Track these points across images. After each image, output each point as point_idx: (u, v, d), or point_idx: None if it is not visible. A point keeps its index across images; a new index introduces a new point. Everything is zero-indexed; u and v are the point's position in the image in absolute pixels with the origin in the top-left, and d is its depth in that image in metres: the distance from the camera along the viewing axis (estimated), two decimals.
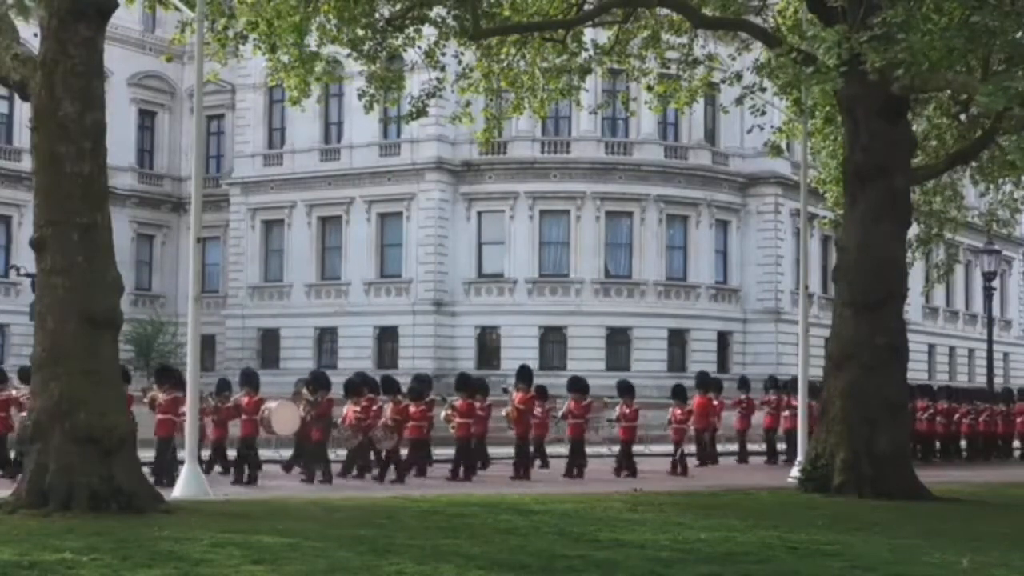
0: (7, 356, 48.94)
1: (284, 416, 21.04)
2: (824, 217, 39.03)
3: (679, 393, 25.20)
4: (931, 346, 60.90)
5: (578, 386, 23.47)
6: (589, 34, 25.00)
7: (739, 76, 24.54)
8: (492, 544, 11.87)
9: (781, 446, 28.03)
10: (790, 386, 27.72)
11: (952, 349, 64.26)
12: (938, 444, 31.04)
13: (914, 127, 23.29)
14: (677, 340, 50.82)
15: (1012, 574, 11.18)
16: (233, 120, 56.77)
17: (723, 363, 51.10)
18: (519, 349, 48.37)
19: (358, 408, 21.31)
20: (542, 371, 43.30)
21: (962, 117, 24.38)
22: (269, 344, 53.49)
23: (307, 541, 11.66)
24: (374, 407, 21.63)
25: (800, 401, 23.61)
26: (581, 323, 49.51)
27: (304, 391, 21.89)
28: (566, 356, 48.76)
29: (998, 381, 45.58)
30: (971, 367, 63.65)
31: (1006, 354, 66.22)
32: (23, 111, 44.35)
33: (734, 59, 26.57)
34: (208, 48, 21.27)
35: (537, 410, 23.22)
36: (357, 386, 21.93)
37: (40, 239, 14.52)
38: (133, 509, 13.65)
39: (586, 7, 23.39)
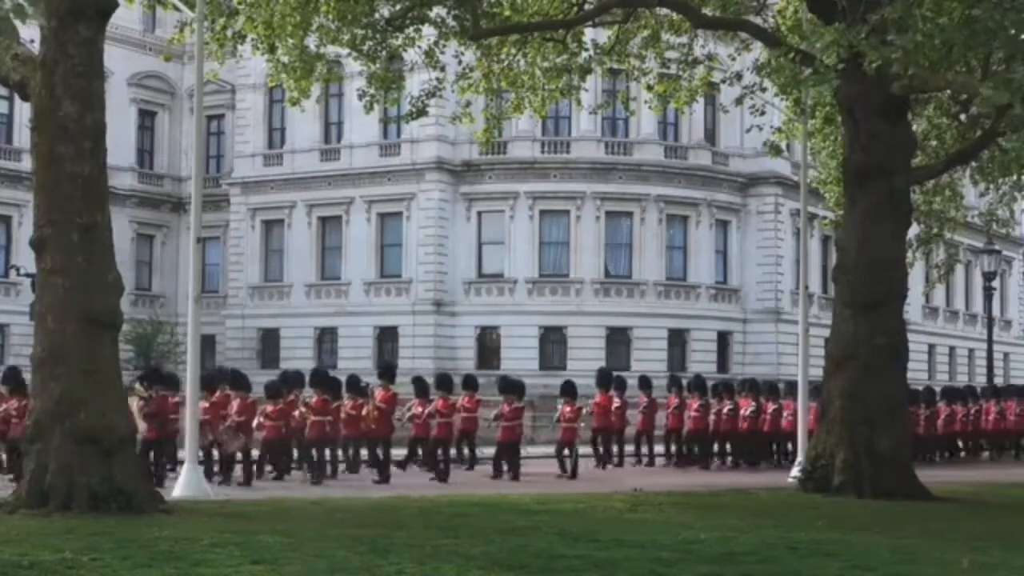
0: (7, 356, 48.93)
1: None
2: (824, 217, 39.08)
3: (569, 391, 23.87)
4: (931, 346, 60.89)
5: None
6: (589, 34, 25.01)
7: (739, 76, 24.55)
8: (492, 544, 11.86)
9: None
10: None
11: (952, 349, 64.25)
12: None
13: (914, 127, 23.29)
14: (677, 340, 50.80)
15: (1012, 574, 11.19)
16: (233, 120, 56.75)
17: (723, 363, 51.11)
18: (519, 349, 48.41)
19: (207, 404, 20.66)
20: (542, 371, 43.46)
21: (962, 117, 24.40)
22: (269, 344, 53.48)
23: (307, 541, 11.66)
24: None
25: (800, 401, 23.61)
26: (581, 323, 49.49)
27: (137, 386, 20.98)
28: (566, 356, 48.74)
29: (998, 381, 45.49)
30: (971, 367, 63.61)
31: (1006, 354, 66.20)
32: (23, 111, 44.35)
33: (734, 59, 26.57)
34: (208, 48, 21.27)
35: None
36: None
37: (40, 239, 14.52)
38: (133, 509, 13.66)
39: (586, 7, 23.39)
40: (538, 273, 50.22)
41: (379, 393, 21.59)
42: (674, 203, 51.03)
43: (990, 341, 42.91)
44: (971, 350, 64.04)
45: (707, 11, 22.94)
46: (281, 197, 53.91)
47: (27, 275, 37.42)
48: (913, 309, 48.98)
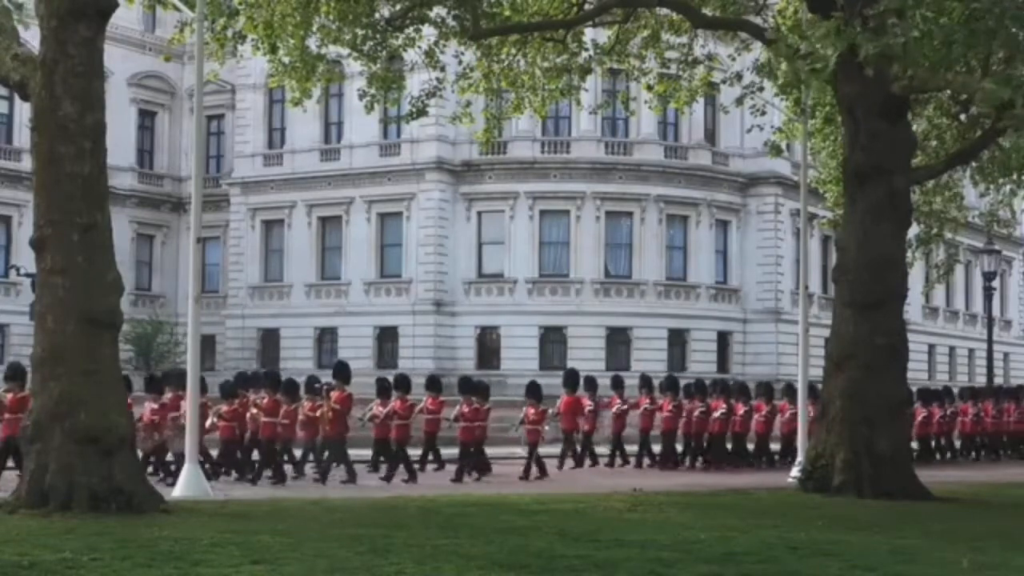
0: (7, 356, 48.95)
1: None
2: (824, 217, 39.04)
3: (533, 392, 23.39)
4: (931, 346, 60.91)
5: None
6: (589, 34, 25.03)
7: (739, 76, 24.58)
8: (492, 544, 11.86)
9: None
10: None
11: (952, 349, 64.26)
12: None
13: (914, 127, 23.29)
14: (677, 340, 50.83)
15: (1012, 574, 11.19)
16: (233, 120, 56.77)
17: (723, 363, 51.14)
18: (519, 349, 48.42)
19: (156, 406, 20.58)
20: (542, 371, 43.42)
21: (962, 117, 24.39)
22: (269, 344, 53.48)
23: (307, 541, 11.66)
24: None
25: (800, 401, 23.61)
26: (581, 323, 49.50)
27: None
28: (566, 356, 48.68)
29: (998, 381, 45.54)
30: (971, 367, 63.64)
31: (1006, 354, 66.22)
32: (23, 111, 44.36)
33: (734, 59, 26.59)
34: (208, 48, 21.27)
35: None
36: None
37: (40, 239, 14.52)
38: (133, 509, 13.66)
39: (586, 7, 23.40)
40: (538, 273, 50.24)
41: (334, 394, 21.18)
42: (674, 203, 51.04)
43: (990, 341, 42.91)
44: (971, 350, 64.06)
45: (707, 11, 22.95)
46: (281, 197, 53.92)
47: (27, 275, 37.44)
48: (913, 309, 48.99)
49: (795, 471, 21.73)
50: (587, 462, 25.26)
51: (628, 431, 26.38)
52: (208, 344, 48.49)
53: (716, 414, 25.91)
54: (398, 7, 22.35)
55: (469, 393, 22.42)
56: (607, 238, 50.54)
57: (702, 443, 26.07)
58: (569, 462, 25.12)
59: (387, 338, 51.31)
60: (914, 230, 28.09)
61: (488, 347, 50.33)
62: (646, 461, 25.91)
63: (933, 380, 51.37)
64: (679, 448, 26.24)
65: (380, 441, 21.66)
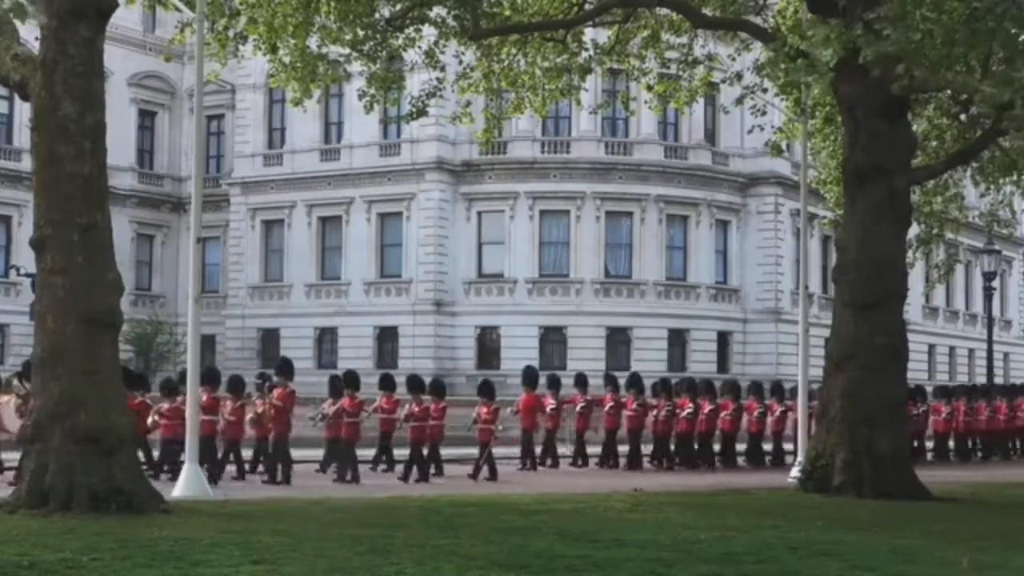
0: (7, 356, 48.95)
1: (8, 412, 20.16)
2: (824, 217, 39.04)
3: (486, 391, 22.89)
4: (931, 346, 60.92)
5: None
6: (589, 34, 25.02)
7: (739, 76, 24.57)
8: (492, 544, 11.86)
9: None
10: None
11: (952, 349, 64.27)
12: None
13: (914, 127, 23.28)
14: (677, 340, 50.84)
15: (1012, 574, 11.19)
16: (233, 120, 56.79)
17: (723, 363, 51.16)
18: (519, 349, 48.39)
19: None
20: (542, 371, 43.37)
21: (962, 117, 24.37)
22: (269, 344, 53.47)
23: (307, 541, 11.66)
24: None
25: (800, 402, 23.60)
26: (581, 323, 49.52)
27: (15, 383, 20.62)
28: (566, 356, 48.75)
29: (998, 381, 45.50)
30: (971, 367, 63.64)
31: (1006, 354, 66.23)
32: (23, 111, 44.35)
33: (734, 59, 26.57)
34: (208, 48, 21.24)
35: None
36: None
37: (40, 239, 14.51)
38: (133, 509, 13.65)
39: (586, 7, 23.39)
40: (538, 273, 50.25)
41: (277, 391, 20.92)
42: (674, 203, 51.06)
43: (990, 341, 42.91)
44: (971, 350, 64.07)
45: (707, 11, 22.93)
46: (281, 197, 53.94)
47: (27, 275, 37.42)
48: (913, 309, 48.99)
49: (795, 471, 21.72)
50: (548, 462, 24.90)
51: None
52: (208, 344, 48.50)
53: (683, 413, 25.70)
54: (398, 7, 22.34)
55: (419, 391, 22.07)
56: (607, 238, 50.57)
57: (667, 443, 25.76)
58: (556, 459, 24.91)
59: (387, 338, 51.32)
60: (914, 230, 28.07)
61: (488, 347, 50.34)
62: (632, 460, 25.55)
63: (933, 380, 51.32)
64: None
65: (331, 440, 21.43)
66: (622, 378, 27.28)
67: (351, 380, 21.98)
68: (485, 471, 21.97)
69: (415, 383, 22.53)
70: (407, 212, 51.23)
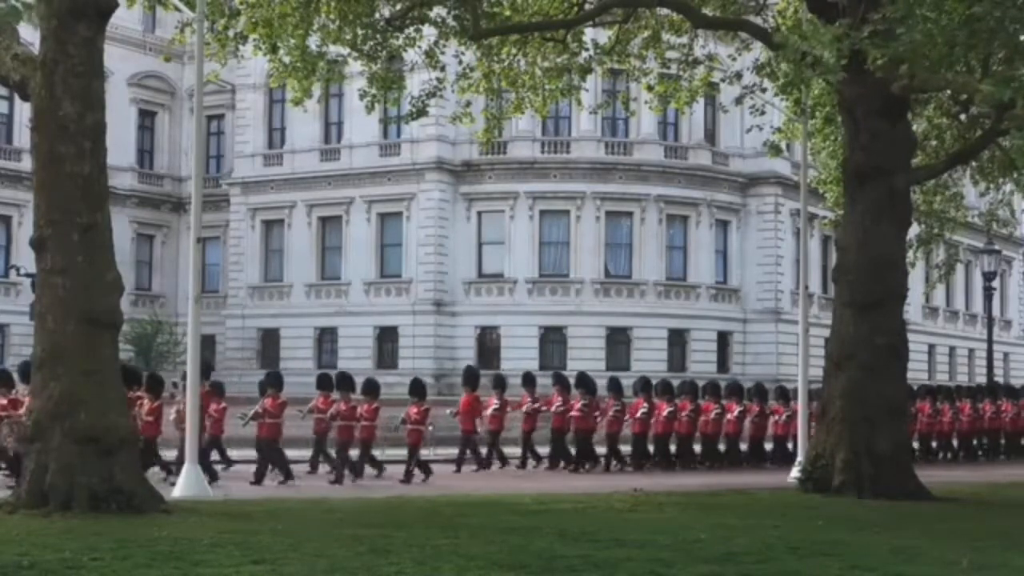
0: (7, 356, 48.94)
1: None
2: (824, 217, 39.10)
3: (417, 390, 22.51)
4: (931, 346, 60.91)
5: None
6: (589, 34, 24.99)
7: (739, 76, 24.57)
8: (492, 544, 11.86)
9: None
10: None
11: (952, 349, 64.27)
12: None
13: (914, 127, 23.29)
14: (677, 340, 50.83)
15: (1012, 574, 11.19)
16: (233, 120, 56.78)
17: (723, 363, 51.16)
18: (519, 349, 48.40)
19: (4, 401, 20.20)
20: (543, 371, 43.42)
21: (962, 117, 24.38)
22: (269, 344, 53.50)
23: (307, 541, 11.66)
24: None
25: (800, 402, 23.62)
26: (581, 323, 49.51)
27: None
28: (566, 356, 48.73)
29: (998, 381, 45.46)
30: (971, 367, 63.65)
31: (1006, 354, 66.23)
32: (23, 111, 44.35)
33: (734, 59, 26.56)
34: (208, 48, 21.25)
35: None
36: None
37: (40, 239, 14.52)
38: (133, 509, 13.65)
39: (586, 7, 23.38)
40: (538, 273, 50.25)
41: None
42: (674, 203, 51.06)
43: (990, 341, 42.91)
44: (971, 350, 64.06)
45: (707, 11, 22.93)
46: (281, 197, 53.93)
47: (27, 275, 37.41)
48: (913, 309, 48.99)
49: (795, 471, 21.73)
50: (496, 464, 24.63)
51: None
52: (208, 344, 48.34)
53: (638, 413, 25.53)
54: (398, 7, 22.34)
55: (347, 390, 21.80)
56: (607, 238, 50.56)
57: (615, 443, 25.47)
58: (517, 460, 24.71)
59: (387, 338, 51.32)
60: (914, 230, 28.07)
61: (488, 347, 50.32)
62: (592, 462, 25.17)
63: (933, 380, 51.30)
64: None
65: (260, 440, 21.25)
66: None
67: (274, 380, 21.72)
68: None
69: (340, 380, 22.22)
70: (407, 212, 51.23)
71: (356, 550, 11.11)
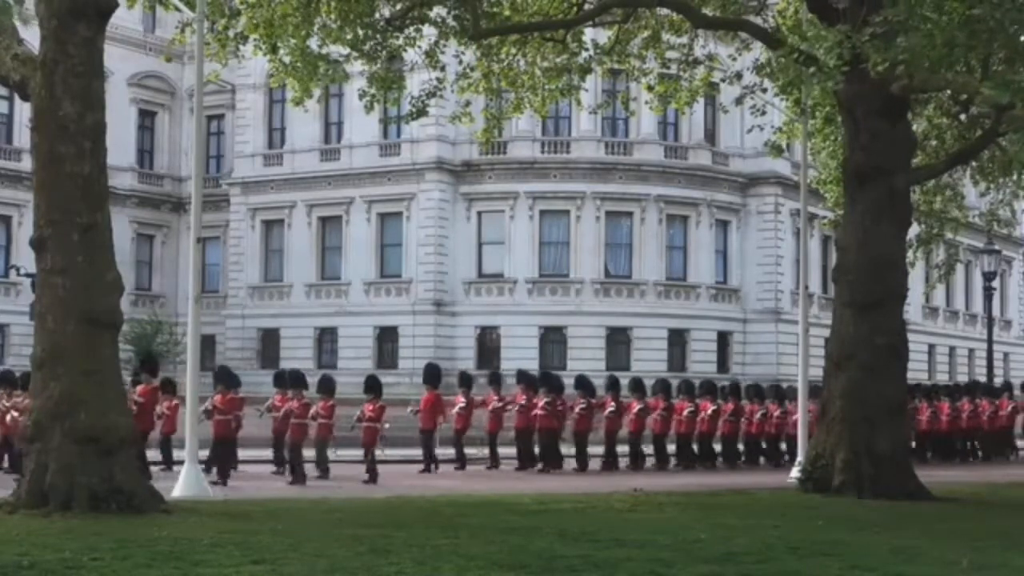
0: (7, 356, 48.95)
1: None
2: (824, 217, 39.06)
3: (373, 387, 22.29)
4: (931, 346, 60.89)
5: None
6: (589, 34, 24.99)
7: (739, 76, 24.56)
8: (492, 544, 11.86)
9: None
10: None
11: (952, 349, 64.25)
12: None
13: (914, 127, 23.30)
14: (677, 340, 50.82)
15: (1012, 574, 11.19)
16: (233, 120, 56.77)
17: (723, 363, 51.15)
18: (519, 349, 48.39)
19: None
20: (542, 371, 43.42)
21: (962, 117, 24.39)
22: (269, 344, 53.49)
23: (307, 541, 11.66)
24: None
25: (800, 402, 23.62)
26: (581, 323, 49.49)
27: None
28: (566, 356, 48.74)
29: (998, 381, 45.48)
30: (971, 367, 63.59)
31: (1006, 354, 66.19)
32: (23, 111, 44.35)
33: (734, 59, 26.56)
34: (208, 48, 21.26)
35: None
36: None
37: (40, 239, 14.52)
38: (133, 509, 13.65)
39: (586, 7, 23.38)
40: (538, 273, 50.24)
41: (139, 388, 20.71)
42: (674, 203, 51.04)
43: (990, 341, 42.91)
44: (971, 350, 64.03)
45: (707, 11, 22.92)
46: (281, 197, 53.93)
47: (27, 275, 37.41)
48: (913, 309, 48.98)
49: (795, 471, 21.73)
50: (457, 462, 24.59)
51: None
52: (208, 344, 48.46)
53: (605, 412, 25.50)
54: (398, 7, 22.33)
55: (300, 388, 21.68)
56: (607, 238, 50.54)
57: (584, 441, 25.48)
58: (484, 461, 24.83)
59: (387, 338, 51.30)
60: (914, 230, 28.08)
61: (488, 347, 50.30)
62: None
63: (933, 380, 51.29)
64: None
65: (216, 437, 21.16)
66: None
67: (224, 377, 21.75)
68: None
69: (292, 378, 22.17)
70: (407, 212, 51.21)
71: (356, 550, 11.11)
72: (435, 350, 49.32)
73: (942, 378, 56.67)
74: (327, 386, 21.96)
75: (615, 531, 13.23)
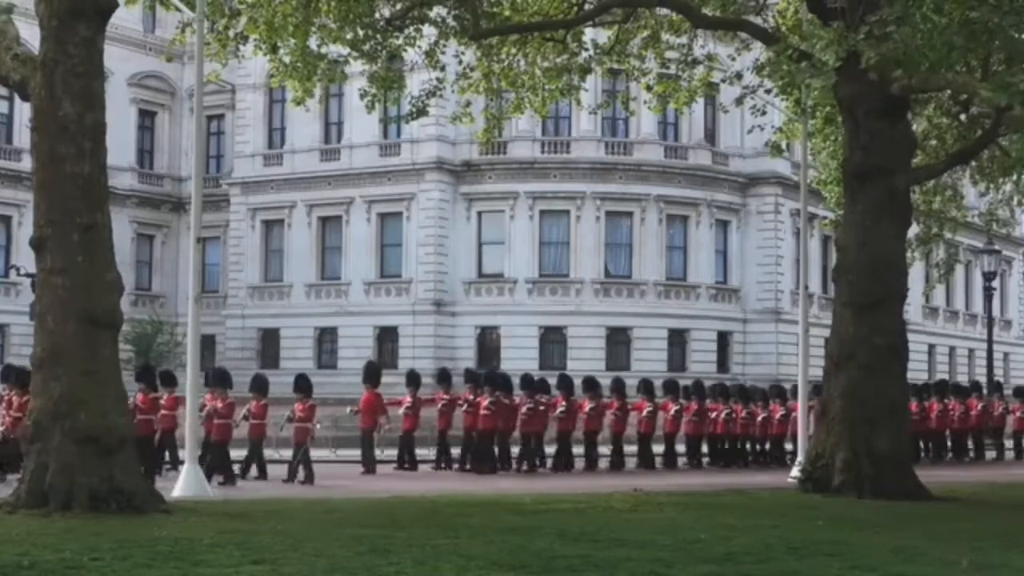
0: (7, 356, 48.92)
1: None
2: (824, 217, 39.08)
3: (303, 387, 21.89)
4: (931, 346, 60.88)
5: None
6: (589, 34, 24.99)
7: (739, 76, 24.55)
8: (492, 544, 11.86)
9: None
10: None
11: (952, 349, 64.24)
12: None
13: (914, 127, 23.30)
14: (677, 340, 50.81)
15: (1012, 574, 11.18)
16: (233, 120, 56.76)
17: (723, 363, 51.15)
18: (519, 349, 48.40)
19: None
20: (542, 371, 43.41)
21: (962, 117, 24.41)
22: (269, 344, 53.48)
23: (307, 541, 11.66)
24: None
25: (800, 402, 23.64)
26: (581, 323, 49.50)
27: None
28: (566, 356, 48.73)
29: (998, 381, 45.51)
30: (971, 367, 63.59)
31: (1006, 354, 66.20)
32: (23, 111, 44.32)
33: (734, 59, 26.58)
34: (208, 48, 21.26)
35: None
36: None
37: (40, 239, 14.53)
38: (133, 509, 13.67)
39: (586, 7, 23.38)
40: (538, 273, 50.23)
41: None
42: (674, 203, 51.04)
43: (990, 341, 42.91)
44: (971, 350, 64.03)
45: (707, 11, 22.90)
46: (281, 197, 53.92)
47: (27, 275, 37.40)
48: (913, 309, 48.97)
49: (795, 471, 21.73)
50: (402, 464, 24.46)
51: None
52: (208, 344, 48.50)
53: (555, 412, 25.28)
54: (398, 7, 22.35)
55: (217, 386, 21.49)
56: (607, 238, 50.54)
57: (540, 441, 25.29)
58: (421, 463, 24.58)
59: (387, 338, 51.29)
60: (914, 230, 28.09)
61: (488, 347, 50.30)
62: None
63: (933, 380, 51.27)
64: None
65: (163, 432, 21.16)
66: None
67: (167, 379, 21.70)
68: (301, 473, 21.04)
69: (215, 377, 22.04)
70: (407, 212, 51.21)
71: (356, 550, 11.11)
72: (435, 350, 49.37)
73: (942, 378, 56.65)
74: (260, 386, 21.83)
75: (615, 531, 13.24)
